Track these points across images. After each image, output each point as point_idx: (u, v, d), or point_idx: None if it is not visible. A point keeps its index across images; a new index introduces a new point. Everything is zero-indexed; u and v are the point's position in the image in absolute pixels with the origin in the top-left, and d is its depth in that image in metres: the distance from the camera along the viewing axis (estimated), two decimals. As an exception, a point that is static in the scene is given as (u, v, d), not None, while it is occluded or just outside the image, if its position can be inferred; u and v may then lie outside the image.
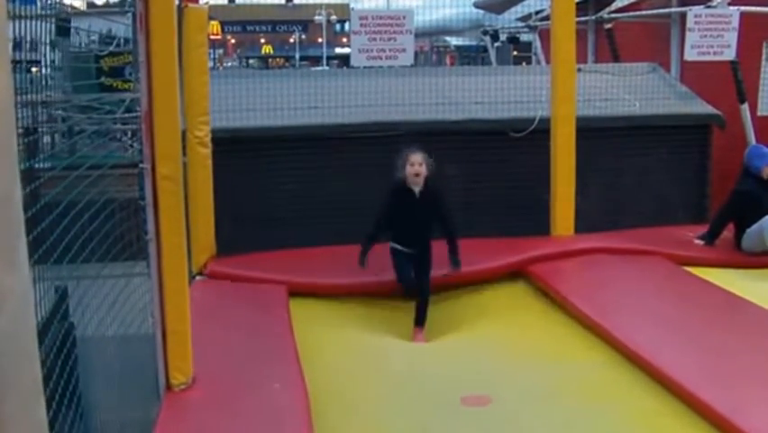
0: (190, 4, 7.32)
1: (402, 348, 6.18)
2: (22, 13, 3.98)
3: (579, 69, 8.74)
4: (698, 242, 8.18)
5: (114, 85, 12.10)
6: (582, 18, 12.17)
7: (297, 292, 7.09)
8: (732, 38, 9.42)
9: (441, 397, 5.23)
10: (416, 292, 6.89)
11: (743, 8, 9.66)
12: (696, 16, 9.45)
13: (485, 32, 19.04)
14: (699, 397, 4.80)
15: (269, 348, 5.68)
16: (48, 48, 5.06)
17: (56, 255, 4.27)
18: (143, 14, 4.68)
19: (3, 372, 2.17)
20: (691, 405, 4.82)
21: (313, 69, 37.32)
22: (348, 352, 6.10)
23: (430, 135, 8.38)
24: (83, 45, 10.28)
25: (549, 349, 6.10)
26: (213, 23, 39.13)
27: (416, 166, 6.82)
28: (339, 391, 5.35)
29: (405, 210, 6.90)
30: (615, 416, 4.94)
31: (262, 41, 64.36)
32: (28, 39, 4.25)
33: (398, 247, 6.98)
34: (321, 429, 4.66)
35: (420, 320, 6.84)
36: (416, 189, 6.89)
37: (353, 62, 8.40)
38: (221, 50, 58.42)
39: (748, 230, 7.89)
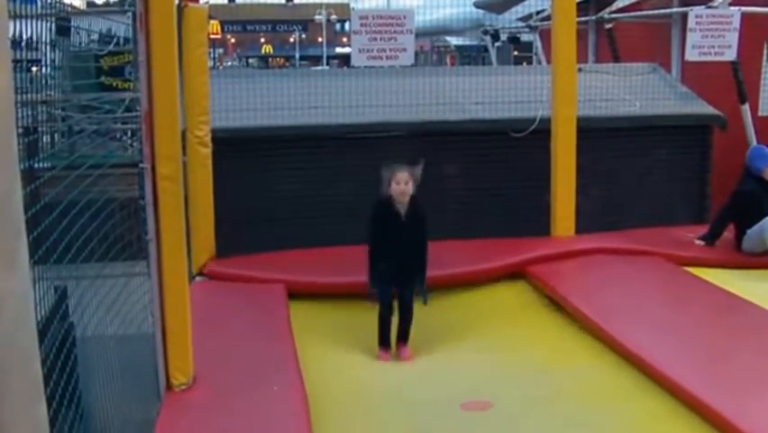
0: (190, 4, 7.32)
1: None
2: (23, 13, 3.97)
3: (579, 69, 8.74)
4: (698, 242, 8.17)
5: (114, 84, 12.08)
6: (583, 18, 12.16)
7: (296, 292, 7.09)
8: (733, 38, 9.40)
9: (440, 401, 5.21)
10: (389, 305, 6.56)
11: (744, 8, 9.65)
12: (697, 16, 9.43)
13: (485, 32, 19.04)
14: (700, 399, 4.78)
15: (268, 348, 5.68)
16: (48, 47, 5.04)
17: (56, 255, 4.26)
18: (143, 14, 4.67)
19: (3, 372, 2.17)
20: (693, 407, 4.81)
21: (313, 68, 37.30)
22: (347, 354, 6.09)
23: (430, 136, 8.39)
24: (83, 44, 10.27)
25: (549, 352, 6.08)
26: (213, 22, 39.08)
27: (402, 185, 6.39)
28: (338, 394, 5.33)
29: (389, 232, 6.49)
30: (616, 419, 4.93)
31: (262, 40, 64.31)
32: (28, 38, 4.24)
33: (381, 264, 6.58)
34: (320, 432, 4.65)
35: (404, 336, 6.52)
36: (402, 210, 6.49)
37: (354, 62, 8.38)
38: (221, 50, 58.36)
39: (749, 231, 7.88)
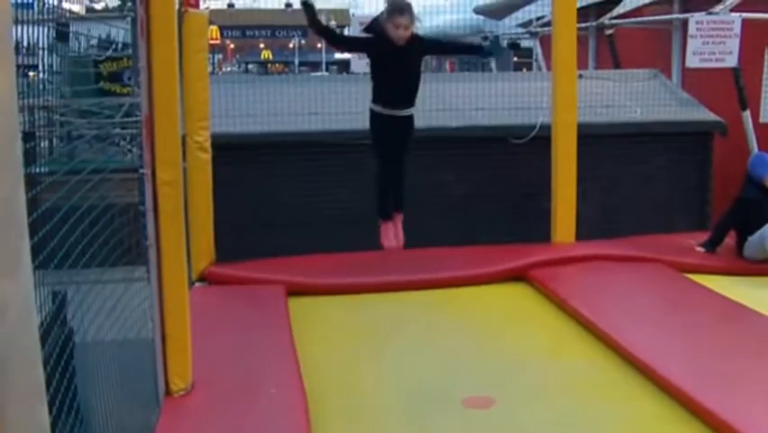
0: (190, 9, 7.31)
1: (403, 349, 6.16)
2: (23, 18, 3.96)
3: (580, 76, 8.74)
4: (699, 249, 8.15)
5: (114, 90, 12.07)
6: (583, 24, 12.18)
7: (295, 292, 7.09)
8: (734, 45, 9.41)
9: (442, 398, 5.20)
10: (390, 173, 6.81)
11: (745, 15, 9.66)
12: (698, 23, 9.44)
13: (485, 38, 19.02)
14: (700, 402, 4.77)
15: (268, 353, 5.66)
16: (47, 52, 5.03)
17: (56, 261, 4.25)
18: (144, 19, 4.66)
19: (5, 376, 2.15)
20: (692, 409, 4.80)
21: (312, 74, 37.33)
22: (348, 352, 6.07)
23: (430, 142, 8.38)
24: (82, 50, 10.26)
25: (551, 350, 6.08)
26: (212, 27, 39.12)
27: (401, 30, 6.30)
28: (339, 392, 5.32)
29: (386, 59, 6.39)
30: (617, 420, 4.92)
31: (261, 46, 64.34)
32: (28, 43, 4.23)
33: (379, 109, 6.60)
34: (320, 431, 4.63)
35: (399, 203, 6.77)
36: (399, 43, 6.38)
37: (353, 68, 8.40)
38: (220, 55, 58.38)
39: (750, 238, 7.86)
